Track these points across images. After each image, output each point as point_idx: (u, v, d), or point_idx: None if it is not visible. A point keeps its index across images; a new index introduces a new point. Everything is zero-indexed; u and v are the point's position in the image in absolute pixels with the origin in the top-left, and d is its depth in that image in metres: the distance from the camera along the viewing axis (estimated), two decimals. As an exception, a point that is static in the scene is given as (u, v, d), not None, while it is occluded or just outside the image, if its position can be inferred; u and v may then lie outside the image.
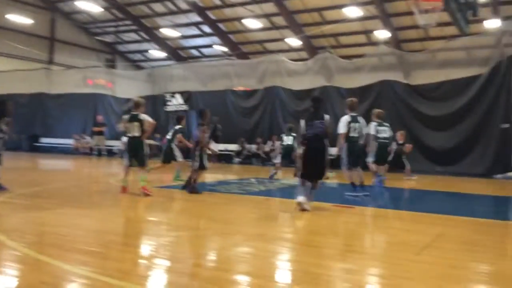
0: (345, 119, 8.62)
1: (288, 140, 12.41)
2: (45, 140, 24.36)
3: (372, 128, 10.57)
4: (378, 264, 4.27)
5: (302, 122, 7.12)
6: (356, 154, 8.75)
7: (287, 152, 12.26)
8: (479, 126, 15.18)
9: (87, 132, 23.36)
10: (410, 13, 18.83)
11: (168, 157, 11.05)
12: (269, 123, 19.37)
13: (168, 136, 11.18)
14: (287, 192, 9.66)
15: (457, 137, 15.42)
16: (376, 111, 11.21)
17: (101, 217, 6.11)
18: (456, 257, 4.45)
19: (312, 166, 7.02)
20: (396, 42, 21.98)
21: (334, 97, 18.01)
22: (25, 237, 4.78)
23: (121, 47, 31.54)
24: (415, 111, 16.13)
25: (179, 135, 10.96)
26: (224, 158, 18.96)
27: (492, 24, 18.52)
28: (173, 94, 22.05)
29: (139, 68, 30.28)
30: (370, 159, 10.95)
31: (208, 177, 13.44)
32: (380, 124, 10.84)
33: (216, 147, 16.20)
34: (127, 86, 23.87)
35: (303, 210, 6.72)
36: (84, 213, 6.37)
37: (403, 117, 16.14)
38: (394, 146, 11.96)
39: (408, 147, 12.99)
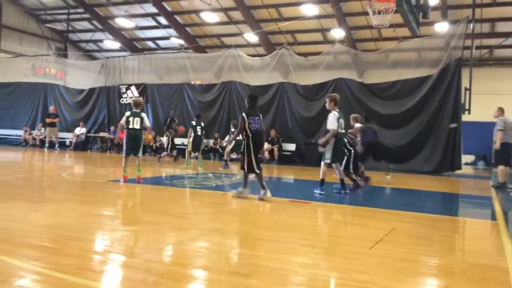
0: (333, 114, 8.38)
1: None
2: (-8, 131, 23.26)
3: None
4: (332, 258, 4.35)
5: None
6: (341, 150, 8.73)
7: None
8: (429, 125, 15.79)
9: (37, 124, 22.50)
10: (364, 13, 19.33)
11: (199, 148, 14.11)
12: (227, 118, 19.32)
13: (199, 132, 13.87)
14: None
15: (408, 135, 15.98)
16: (355, 115, 11.67)
17: (53, 211, 5.90)
18: (407, 251, 4.62)
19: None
20: (351, 41, 22.45)
21: (291, 93, 18.23)
22: (-31, 232, 4.54)
23: (73, 36, 30.43)
24: (369, 109, 16.56)
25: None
26: (180, 153, 18.77)
27: (442, 27, 19.27)
28: (128, 86, 21.55)
29: (92, 58, 29.35)
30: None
31: (165, 171, 13.31)
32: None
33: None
34: (79, 76, 23.13)
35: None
36: (34, 207, 6.13)
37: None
38: None
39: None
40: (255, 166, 7.60)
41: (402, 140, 15.94)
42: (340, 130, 8.42)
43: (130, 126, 9.23)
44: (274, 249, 4.53)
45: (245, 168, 7.64)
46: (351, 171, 9.45)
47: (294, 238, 5.10)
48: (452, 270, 4.13)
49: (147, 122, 9.52)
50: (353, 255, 4.36)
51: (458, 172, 15.63)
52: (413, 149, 15.83)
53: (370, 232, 5.46)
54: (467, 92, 15.74)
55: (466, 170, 17.76)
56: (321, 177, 8.37)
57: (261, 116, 7.85)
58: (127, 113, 9.44)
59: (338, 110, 8.53)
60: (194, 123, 14.00)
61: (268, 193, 7.53)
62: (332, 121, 8.30)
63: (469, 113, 15.90)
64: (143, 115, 9.44)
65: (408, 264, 4.16)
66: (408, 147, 15.81)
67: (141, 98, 10.63)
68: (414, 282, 3.73)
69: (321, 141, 8.45)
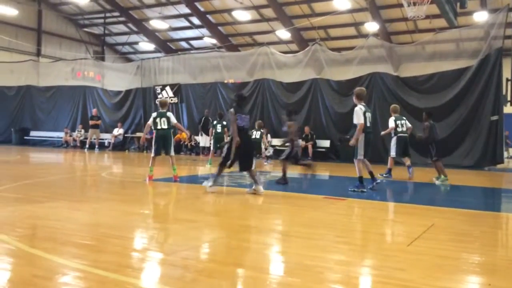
0: (359, 109, 8.28)
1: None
2: (35, 134, 24.15)
3: (391, 121, 11.06)
4: (370, 255, 4.31)
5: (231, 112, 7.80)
6: (370, 145, 8.60)
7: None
8: (468, 118, 15.30)
9: (77, 125, 23.22)
10: (399, 5, 18.94)
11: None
12: (260, 116, 19.33)
13: (219, 130, 13.89)
14: (277, 185, 9.71)
15: (447, 129, 15.49)
16: (392, 106, 11.64)
17: (94, 210, 6.09)
18: (447, 248, 4.51)
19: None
20: (385, 35, 22.06)
21: (325, 89, 18.06)
22: (16, 230, 4.74)
23: (109, 39, 31.24)
24: (405, 104, 16.16)
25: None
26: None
27: (480, 16, 18.63)
28: (163, 86, 21.92)
29: (128, 60, 30.03)
30: (392, 153, 11.31)
31: (200, 169, 13.49)
32: (398, 118, 11.26)
33: (207, 139, 16.31)
34: (116, 78, 23.69)
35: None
36: (76, 206, 6.33)
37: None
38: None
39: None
40: (229, 160, 7.92)
41: (440, 134, 15.37)
42: (367, 124, 8.29)
43: (158, 127, 9.41)
44: (310, 246, 4.52)
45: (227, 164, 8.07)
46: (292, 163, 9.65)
47: (330, 235, 5.07)
48: (494, 267, 4.01)
49: (174, 120, 9.66)
50: (391, 252, 4.30)
51: (500, 166, 15.09)
52: (453, 143, 15.34)
53: (408, 229, 5.36)
54: (509, 83, 15.18)
55: (509, 164, 17.11)
56: (358, 174, 8.26)
57: (248, 115, 8.26)
58: (154, 114, 9.62)
59: (364, 104, 8.41)
60: (215, 122, 14.23)
61: (210, 182, 7.93)
62: (359, 116, 8.19)
63: (511, 105, 15.34)
64: (169, 114, 9.58)
65: (448, 261, 4.06)
66: (447, 141, 15.27)
67: (166, 98, 10.88)
68: (454, 279, 3.64)
69: (352, 141, 8.26)
